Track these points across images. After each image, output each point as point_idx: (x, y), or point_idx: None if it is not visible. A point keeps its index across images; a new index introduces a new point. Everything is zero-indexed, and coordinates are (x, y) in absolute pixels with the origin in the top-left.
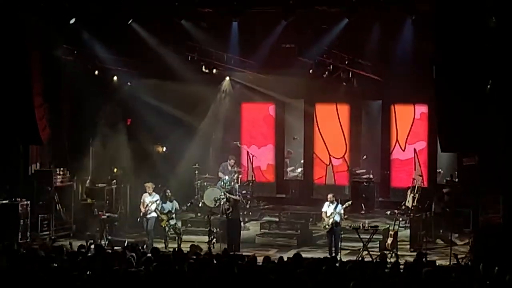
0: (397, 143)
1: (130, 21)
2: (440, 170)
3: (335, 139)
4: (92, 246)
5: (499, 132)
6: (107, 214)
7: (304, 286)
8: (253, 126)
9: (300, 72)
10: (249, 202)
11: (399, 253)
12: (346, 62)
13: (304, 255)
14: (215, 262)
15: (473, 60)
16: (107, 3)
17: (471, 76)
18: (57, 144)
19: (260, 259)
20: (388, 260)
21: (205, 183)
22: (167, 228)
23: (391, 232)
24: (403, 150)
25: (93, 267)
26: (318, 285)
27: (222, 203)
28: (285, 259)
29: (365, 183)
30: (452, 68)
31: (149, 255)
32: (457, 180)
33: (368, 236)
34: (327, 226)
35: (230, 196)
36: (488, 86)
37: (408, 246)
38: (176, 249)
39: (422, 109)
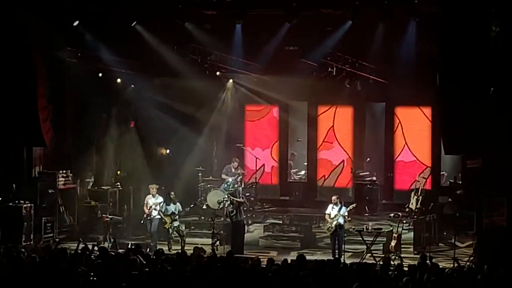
0: (405, 146)
1: (134, 23)
2: (444, 172)
3: (340, 140)
4: (96, 248)
5: (502, 134)
6: (110, 217)
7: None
8: (257, 128)
9: (304, 75)
10: (253, 204)
11: (402, 255)
12: (350, 64)
13: (307, 257)
14: (219, 264)
15: (477, 62)
16: (110, 5)
17: (475, 79)
18: (60, 146)
19: (263, 262)
20: (392, 262)
21: (208, 186)
22: (170, 230)
23: (395, 235)
24: (411, 152)
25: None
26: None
27: (226, 205)
28: (289, 261)
29: (368, 186)
30: (456, 70)
31: (153, 257)
32: (461, 182)
33: (371, 239)
34: (330, 229)
35: (234, 198)
36: (492, 88)
37: (412, 249)
38: (180, 251)
39: (426, 111)
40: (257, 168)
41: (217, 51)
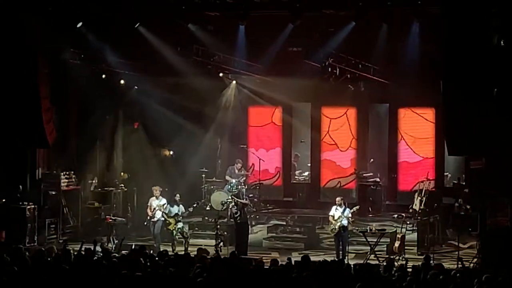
0: (407, 147)
1: (137, 24)
2: (448, 173)
3: (343, 141)
4: (99, 250)
5: (506, 135)
6: (114, 218)
7: None
8: (260, 129)
9: (307, 76)
10: (256, 205)
11: (406, 256)
12: (353, 65)
13: (311, 258)
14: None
15: (480, 63)
16: (113, 7)
17: (478, 79)
18: (64, 147)
19: (267, 263)
20: (396, 263)
21: (212, 187)
22: (174, 232)
23: (399, 236)
24: (414, 153)
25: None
26: None
27: (230, 207)
28: (293, 262)
29: (372, 187)
30: (459, 71)
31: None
32: (464, 183)
33: (375, 240)
34: (334, 230)
35: (238, 200)
36: (495, 90)
37: (416, 250)
38: (183, 252)
39: (429, 112)
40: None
41: (220, 53)
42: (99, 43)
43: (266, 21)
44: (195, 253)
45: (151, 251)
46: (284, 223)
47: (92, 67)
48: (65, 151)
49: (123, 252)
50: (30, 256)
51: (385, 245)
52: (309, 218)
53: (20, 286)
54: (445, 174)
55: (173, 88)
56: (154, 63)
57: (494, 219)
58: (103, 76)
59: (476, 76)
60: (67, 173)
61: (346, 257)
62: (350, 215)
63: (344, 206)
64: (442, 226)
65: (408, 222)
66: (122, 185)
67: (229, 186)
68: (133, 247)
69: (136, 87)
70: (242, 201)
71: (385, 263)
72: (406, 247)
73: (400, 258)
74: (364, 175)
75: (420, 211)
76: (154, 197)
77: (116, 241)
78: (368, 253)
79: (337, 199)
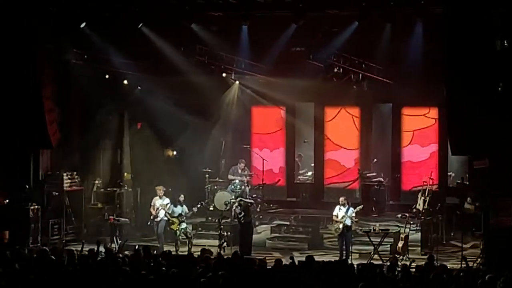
0: (409, 145)
1: (141, 25)
2: (451, 173)
3: (346, 142)
4: (103, 250)
5: (510, 135)
6: (117, 218)
7: None
8: (264, 129)
9: (310, 75)
10: (259, 205)
11: (410, 256)
12: (356, 65)
13: (315, 258)
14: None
15: (484, 63)
16: (117, 7)
17: (482, 79)
18: (67, 148)
19: (271, 263)
20: (399, 263)
21: (215, 187)
22: (177, 232)
23: (402, 236)
24: (417, 153)
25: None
26: None
27: (234, 207)
28: (296, 262)
29: (375, 186)
30: (463, 71)
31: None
32: (468, 183)
33: (379, 240)
34: (338, 230)
35: (243, 200)
36: (499, 89)
37: (419, 249)
38: (187, 253)
39: (433, 112)
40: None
41: (224, 53)
42: (103, 44)
43: (269, 21)
44: (199, 253)
45: (155, 251)
46: (288, 223)
47: (95, 67)
48: (68, 152)
49: (126, 252)
50: (34, 256)
51: (389, 245)
52: (313, 218)
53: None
54: (449, 174)
55: (176, 88)
56: (157, 63)
57: (497, 219)
58: (107, 76)
59: (479, 75)
60: (71, 173)
61: (350, 257)
62: (353, 214)
63: (347, 206)
64: (446, 226)
65: (411, 222)
66: (126, 185)
67: (233, 186)
68: (136, 247)
69: (139, 87)
70: (246, 200)
71: (388, 263)
72: (409, 247)
73: (404, 258)
74: (367, 175)
75: (423, 211)
76: (157, 197)
77: (119, 242)
78: (372, 253)
79: (341, 199)
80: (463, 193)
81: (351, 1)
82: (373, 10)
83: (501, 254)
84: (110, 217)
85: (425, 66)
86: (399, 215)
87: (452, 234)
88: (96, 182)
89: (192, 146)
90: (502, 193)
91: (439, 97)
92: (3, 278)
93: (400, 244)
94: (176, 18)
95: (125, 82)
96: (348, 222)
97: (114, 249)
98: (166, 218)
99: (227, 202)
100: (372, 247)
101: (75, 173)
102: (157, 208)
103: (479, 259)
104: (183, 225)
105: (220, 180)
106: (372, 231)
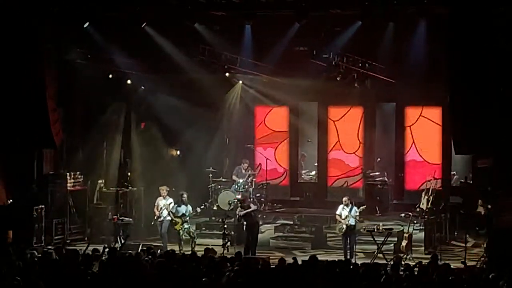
0: (413, 145)
1: (144, 24)
2: (454, 172)
3: (349, 141)
4: (107, 250)
5: None
6: (121, 218)
7: None
8: (267, 129)
9: (313, 75)
10: (263, 205)
11: (413, 255)
12: (360, 64)
13: (318, 258)
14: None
15: (487, 62)
16: (120, 7)
17: (485, 78)
18: (70, 148)
19: (274, 262)
20: (403, 262)
21: (219, 187)
22: (181, 232)
23: (406, 235)
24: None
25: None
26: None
27: (237, 212)
28: (300, 262)
29: (379, 186)
30: (466, 70)
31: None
32: (471, 182)
33: (382, 239)
34: (342, 229)
35: (246, 211)
36: (502, 88)
37: (423, 249)
38: (190, 252)
39: (436, 111)
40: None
41: (227, 52)
42: (106, 43)
43: (272, 21)
44: (202, 253)
45: (159, 251)
46: (291, 222)
47: (99, 67)
48: (72, 152)
49: (129, 251)
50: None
51: (393, 244)
52: (316, 217)
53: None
54: (452, 173)
55: (179, 87)
56: (160, 63)
57: (500, 218)
58: (110, 76)
59: (482, 74)
60: (74, 173)
61: (354, 257)
62: (357, 213)
63: (351, 205)
64: (450, 225)
65: (415, 221)
66: (129, 185)
67: (236, 186)
68: (140, 247)
69: (143, 87)
70: (248, 210)
71: (392, 263)
72: (413, 247)
73: (408, 257)
74: (371, 174)
75: (427, 210)
76: (161, 197)
77: (123, 241)
78: (376, 252)
79: (344, 198)
80: (466, 192)
81: (354, 1)
82: (375, 9)
83: (505, 254)
84: (114, 216)
85: (428, 65)
86: (403, 214)
87: (455, 233)
88: (100, 181)
89: (196, 145)
90: (505, 192)
91: (443, 96)
92: (7, 278)
93: (403, 244)
94: (179, 18)
95: (129, 81)
96: (351, 221)
97: (118, 249)
98: (169, 218)
99: (230, 202)
100: (376, 247)
101: (78, 172)
102: (161, 208)
103: (482, 259)
104: (186, 225)
105: (224, 180)
106: (375, 230)
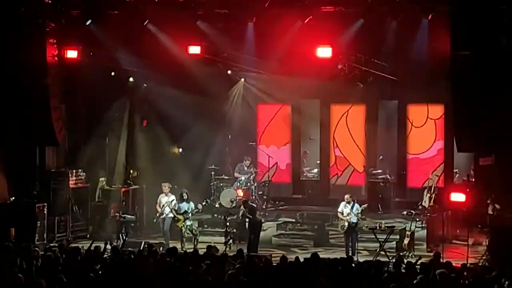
0: (418, 144)
1: (146, 22)
2: (456, 170)
3: (350, 139)
4: (109, 247)
5: None
6: (123, 215)
7: (320, 286)
8: (270, 127)
9: (316, 73)
10: (265, 202)
11: (415, 253)
12: (362, 62)
13: (320, 255)
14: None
15: (490, 60)
16: (122, 4)
17: (488, 76)
18: (73, 145)
19: (276, 260)
20: (405, 260)
21: (221, 184)
22: (183, 229)
23: (408, 233)
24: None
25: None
26: (335, 285)
27: (241, 213)
28: (302, 259)
29: (381, 183)
30: (469, 68)
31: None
32: (473, 180)
33: (384, 237)
34: (344, 227)
35: (249, 216)
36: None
37: (425, 246)
38: (192, 250)
39: (438, 109)
40: (270, 166)
41: (229, 50)
42: (108, 41)
43: (275, 18)
44: (204, 250)
45: (161, 248)
46: (293, 220)
47: (101, 64)
48: (74, 149)
49: (130, 248)
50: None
51: (395, 242)
52: (318, 215)
53: (30, 284)
54: (454, 171)
55: (182, 85)
56: (162, 60)
57: (503, 216)
58: (112, 73)
59: (485, 72)
60: (76, 171)
61: (356, 254)
62: (359, 211)
63: (353, 203)
64: (452, 223)
65: (417, 219)
66: (131, 182)
67: (238, 183)
68: (142, 244)
69: (145, 84)
70: (253, 216)
71: (394, 260)
72: (415, 244)
73: (410, 255)
74: (373, 172)
75: (429, 208)
76: (163, 194)
77: (125, 239)
78: (378, 250)
79: (346, 196)
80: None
81: None
82: (378, 7)
83: (507, 251)
84: (116, 214)
85: (431, 63)
86: (405, 212)
87: (457, 231)
88: (102, 179)
89: (198, 143)
90: (507, 190)
91: (445, 94)
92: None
93: (406, 241)
94: (182, 15)
95: (131, 79)
96: (353, 219)
97: (121, 246)
98: (171, 215)
99: (233, 199)
100: (378, 244)
101: (80, 170)
102: (163, 206)
103: (484, 257)
104: (188, 222)
105: (226, 177)
106: (378, 228)
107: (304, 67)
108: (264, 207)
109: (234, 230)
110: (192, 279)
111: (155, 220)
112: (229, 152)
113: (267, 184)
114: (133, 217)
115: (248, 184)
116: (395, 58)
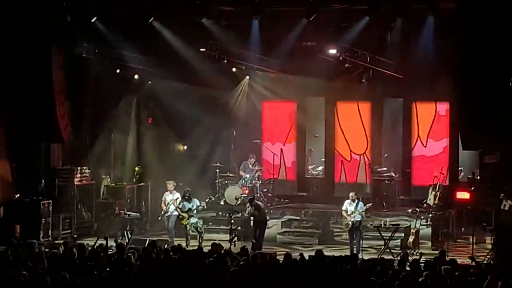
0: (418, 139)
1: (151, 19)
2: (461, 168)
3: (356, 137)
4: (114, 245)
5: None
6: (128, 213)
7: (325, 283)
8: (274, 124)
9: (321, 70)
10: (270, 200)
11: (420, 251)
12: (367, 60)
13: (325, 253)
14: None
15: (495, 57)
16: (128, 1)
17: (493, 74)
18: (78, 142)
19: (281, 258)
20: (410, 258)
21: (226, 182)
22: (188, 227)
23: (413, 230)
24: (425, 146)
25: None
26: (339, 283)
27: (247, 212)
28: (306, 257)
29: (386, 181)
30: (474, 66)
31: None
32: (478, 178)
33: (389, 234)
34: (348, 225)
35: (254, 214)
36: (510, 84)
37: (430, 244)
38: (197, 247)
39: (443, 106)
40: (278, 164)
41: (234, 47)
42: (114, 38)
43: (280, 16)
44: (209, 247)
45: (166, 246)
46: (298, 218)
47: (106, 61)
48: (79, 146)
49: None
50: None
51: (399, 240)
52: (323, 213)
53: (35, 281)
54: (459, 168)
55: (186, 82)
56: (168, 57)
57: (508, 213)
58: (118, 70)
59: (490, 70)
60: (82, 168)
61: (361, 252)
62: (363, 209)
63: (357, 201)
64: (457, 221)
65: (422, 217)
66: (136, 180)
67: (243, 181)
68: (147, 241)
69: (150, 82)
70: (259, 214)
71: (399, 258)
72: (420, 242)
73: (415, 252)
74: (378, 169)
75: (434, 206)
76: (168, 192)
77: (130, 236)
78: (382, 248)
79: (351, 194)
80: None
81: None
82: (383, 4)
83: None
84: (121, 211)
85: (436, 61)
86: (410, 210)
87: (462, 229)
88: (107, 176)
89: (203, 140)
90: None
91: (450, 91)
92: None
93: (410, 239)
94: (187, 13)
95: (136, 76)
96: (357, 217)
97: (125, 243)
98: (176, 213)
99: (238, 197)
100: (383, 242)
101: (86, 167)
102: (168, 203)
103: (489, 255)
104: (193, 220)
105: (231, 175)
106: (382, 226)
107: (309, 65)
108: (269, 204)
109: (239, 228)
110: (196, 276)
111: (160, 218)
112: (234, 149)
113: (272, 182)
114: (138, 214)
115: (253, 182)
116: (400, 56)
